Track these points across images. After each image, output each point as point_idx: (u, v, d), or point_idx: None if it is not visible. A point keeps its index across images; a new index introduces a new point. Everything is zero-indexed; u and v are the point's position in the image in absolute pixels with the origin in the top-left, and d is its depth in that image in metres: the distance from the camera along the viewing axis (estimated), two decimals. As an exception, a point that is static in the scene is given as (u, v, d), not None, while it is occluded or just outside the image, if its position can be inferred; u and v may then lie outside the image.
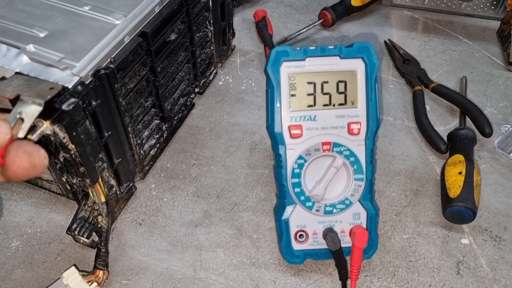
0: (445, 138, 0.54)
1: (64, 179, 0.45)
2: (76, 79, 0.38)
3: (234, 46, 0.67)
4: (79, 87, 0.38)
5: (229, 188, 0.52)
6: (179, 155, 0.55)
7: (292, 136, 0.42)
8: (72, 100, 0.37)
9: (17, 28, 0.41)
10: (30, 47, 0.40)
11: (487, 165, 0.54)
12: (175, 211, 0.50)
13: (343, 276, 0.42)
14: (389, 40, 0.69)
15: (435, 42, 0.70)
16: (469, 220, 0.46)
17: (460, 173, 0.48)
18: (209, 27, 0.57)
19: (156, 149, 0.53)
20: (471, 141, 0.52)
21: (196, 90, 0.60)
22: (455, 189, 0.47)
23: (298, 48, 0.41)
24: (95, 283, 0.42)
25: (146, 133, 0.50)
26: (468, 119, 0.56)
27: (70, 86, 0.38)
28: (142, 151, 0.50)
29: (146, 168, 0.52)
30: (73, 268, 0.41)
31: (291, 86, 0.42)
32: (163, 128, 0.53)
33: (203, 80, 0.61)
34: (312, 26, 0.69)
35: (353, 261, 0.42)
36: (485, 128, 0.53)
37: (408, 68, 0.64)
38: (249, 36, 0.71)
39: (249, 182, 0.53)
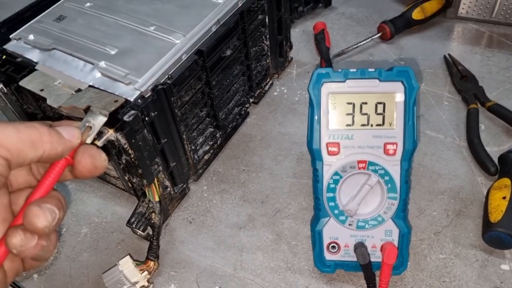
0: (496, 160, 0.53)
1: (126, 178, 0.51)
2: (137, 93, 0.44)
3: (291, 58, 0.70)
4: (139, 100, 0.44)
5: (273, 195, 0.55)
6: (230, 161, 0.59)
7: (330, 153, 0.44)
8: (132, 112, 0.42)
9: (93, 46, 0.48)
10: (102, 64, 0.46)
11: (540, 190, 0.52)
12: (223, 213, 0.54)
13: (372, 289, 0.44)
14: (449, 54, 0.68)
15: (499, 57, 0.68)
16: (509, 246, 0.46)
17: (504, 197, 0.47)
18: (265, 41, 0.61)
19: (209, 155, 0.58)
20: (523, 165, 0.51)
21: (251, 100, 0.64)
22: (496, 213, 0.47)
23: (339, 70, 0.44)
24: (146, 272, 0.48)
25: (200, 140, 0.55)
26: (524, 141, 0.55)
27: (132, 99, 0.43)
28: (196, 156, 0.55)
29: (200, 171, 0.57)
30: (128, 257, 0.47)
31: (331, 105, 0.44)
32: (217, 135, 0.58)
33: (259, 91, 0.65)
34: (370, 39, 0.70)
35: (382, 276, 0.44)
36: (541, 153, 0.52)
37: (465, 85, 0.63)
38: (307, 47, 0.73)
39: (293, 191, 0.56)
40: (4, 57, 0.50)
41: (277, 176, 0.57)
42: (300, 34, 0.76)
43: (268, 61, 0.64)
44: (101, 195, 0.58)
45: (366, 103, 0.44)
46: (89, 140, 0.36)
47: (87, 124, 0.37)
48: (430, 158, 0.57)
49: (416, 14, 0.71)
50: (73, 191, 0.58)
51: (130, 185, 0.52)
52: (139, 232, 0.50)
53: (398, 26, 0.71)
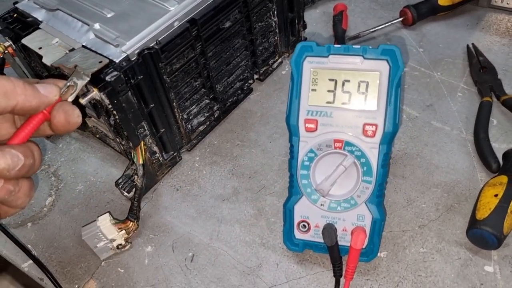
0: (501, 157, 0.50)
1: (118, 140, 0.53)
2: (123, 55, 0.45)
3: (306, 38, 0.69)
4: (123, 63, 0.45)
5: (262, 171, 0.55)
6: (227, 135, 0.60)
7: (307, 130, 0.43)
8: (115, 73, 0.43)
9: (92, 8, 0.50)
10: (97, 25, 0.48)
11: (545, 193, 0.48)
12: (209, 183, 0.55)
13: (337, 273, 0.43)
14: (472, 44, 0.63)
15: (529, 51, 0.62)
16: (493, 246, 0.43)
17: (496, 195, 0.44)
18: (272, 17, 0.60)
19: (205, 126, 0.58)
20: (527, 164, 0.47)
21: (256, 76, 0.64)
22: (484, 211, 0.43)
23: (323, 45, 0.42)
24: (124, 231, 0.49)
25: (194, 110, 0.56)
26: (535, 140, 0.51)
27: (117, 61, 0.44)
28: (189, 126, 0.56)
29: (194, 141, 0.58)
30: (107, 214, 0.49)
31: (312, 81, 0.43)
32: (214, 108, 0.58)
33: (265, 68, 0.64)
34: (389, 24, 0.67)
35: (348, 261, 0.42)
36: (549, 152, 0.48)
37: (483, 77, 0.59)
38: (325, 29, 0.71)
39: (282, 169, 0.55)
40: (15, 15, 0.53)
41: (269, 153, 0.57)
42: (320, 15, 0.74)
43: (276, 38, 0.63)
44: (100, 156, 0.60)
45: (348, 80, 0.42)
46: (70, 98, 0.38)
47: (70, 83, 0.38)
48: (430, 149, 0.54)
49: (443, 0, 0.67)
50: (76, 150, 0.61)
51: (122, 147, 0.54)
52: (125, 193, 0.52)
53: (422, 12, 0.67)
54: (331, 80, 0.42)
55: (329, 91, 0.43)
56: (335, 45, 0.42)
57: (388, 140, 0.42)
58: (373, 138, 0.42)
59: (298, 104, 0.43)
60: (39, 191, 0.57)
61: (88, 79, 0.40)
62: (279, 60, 0.66)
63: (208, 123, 0.59)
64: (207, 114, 0.58)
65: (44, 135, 0.38)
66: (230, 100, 0.60)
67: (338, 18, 0.68)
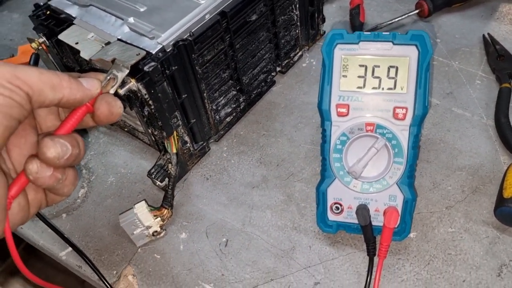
0: (523, 140, 0.51)
1: (150, 131, 0.54)
2: (159, 47, 0.46)
3: (324, 32, 0.71)
4: (160, 54, 0.46)
5: (289, 159, 0.57)
6: (252, 125, 0.61)
7: (339, 114, 0.45)
8: (153, 63, 0.45)
9: (125, 4, 0.51)
10: (131, 19, 0.49)
11: None
12: (239, 172, 0.57)
13: (371, 252, 0.45)
14: (488, 34, 0.65)
15: (544, 39, 0.64)
16: (521, 223, 0.44)
17: (521, 174, 0.46)
18: (294, 11, 0.62)
19: (232, 117, 0.60)
20: (549, 146, 0.49)
21: (278, 69, 0.65)
22: (510, 189, 0.45)
23: (354, 33, 0.44)
24: (159, 218, 0.51)
25: (222, 101, 0.57)
26: (556, 123, 0.52)
27: (153, 52, 0.46)
28: (217, 117, 0.58)
29: (221, 132, 0.60)
30: (143, 202, 0.50)
31: (343, 67, 0.44)
32: (241, 99, 0.60)
33: (287, 61, 0.66)
34: (406, 16, 0.69)
35: (382, 240, 0.44)
36: None
37: (501, 64, 0.60)
38: (342, 23, 0.73)
39: (309, 157, 0.56)
40: (48, 12, 0.54)
41: (295, 142, 0.58)
42: (337, 10, 0.76)
43: (297, 31, 0.65)
44: (129, 149, 0.62)
45: (378, 66, 0.44)
46: (112, 90, 0.39)
47: (110, 75, 0.40)
48: (453, 134, 0.56)
49: (458, -8, 0.69)
50: (105, 144, 0.63)
51: (153, 139, 0.56)
52: (158, 182, 0.54)
53: (437, 3, 0.69)
54: (361, 66, 0.44)
55: (359, 76, 0.44)
56: (365, 32, 0.44)
57: (418, 122, 0.43)
58: (404, 121, 0.43)
59: (330, 90, 0.45)
60: (71, 184, 0.59)
61: (128, 71, 0.42)
62: (300, 53, 0.68)
63: (234, 114, 0.60)
64: (234, 106, 0.59)
65: (87, 126, 0.40)
66: (254, 92, 0.62)
67: (356, 11, 0.70)
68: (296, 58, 0.67)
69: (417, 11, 0.70)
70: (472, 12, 0.70)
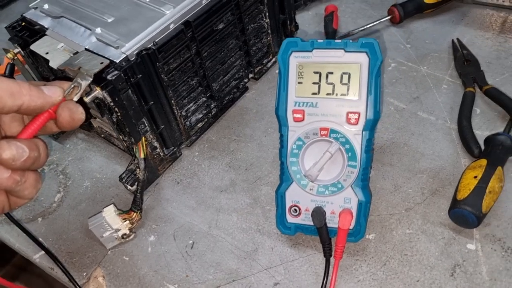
0: (482, 143, 0.52)
1: (120, 137, 0.56)
2: (123, 56, 0.48)
3: (298, 38, 0.72)
4: (123, 63, 0.48)
5: (257, 164, 0.58)
6: (224, 131, 0.63)
7: (295, 120, 0.46)
8: (116, 72, 0.47)
9: (94, 15, 0.53)
10: (98, 30, 0.51)
11: (525, 176, 0.51)
12: (208, 176, 0.58)
13: (327, 253, 0.46)
14: (457, 39, 0.66)
15: (511, 43, 0.65)
16: (473, 225, 0.45)
17: (475, 177, 0.47)
18: (264, 19, 0.63)
19: (203, 123, 0.62)
20: (506, 149, 0.50)
21: (251, 75, 0.67)
22: (464, 191, 0.46)
23: (307, 41, 0.45)
24: (128, 221, 0.52)
25: (192, 107, 0.59)
26: (516, 126, 0.53)
27: (117, 61, 0.48)
28: (188, 122, 0.59)
29: (193, 137, 0.61)
30: (111, 205, 0.52)
31: (298, 74, 0.46)
32: (212, 105, 0.62)
33: (259, 67, 0.67)
34: (378, 22, 0.71)
35: (337, 241, 0.45)
36: (527, 137, 0.50)
37: (466, 69, 0.61)
38: (317, 30, 0.75)
39: (277, 160, 0.57)
40: (23, 23, 0.57)
41: (264, 147, 0.60)
42: (313, 17, 0.77)
43: (269, 38, 0.66)
44: (105, 154, 0.64)
45: (332, 73, 0.45)
46: (76, 98, 0.41)
47: (75, 84, 0.42)
48: (416, 138, 0.57)
49: (429, -2, 0.70)
50: (82, 150, 0.65)
51: (125, 144, 0.57)
52: (128, 186, 0.55)
53: (409, 10, 0.70)
54: (315, 72, 0.46)
55: (314, 83, 0.46)
56: (318, 40, 0.45)
57: (370, 126, 0.44)
58: (356, 126, 0.45)
59: (286, 96, 0.46)
60: (49, 189, 0.61)
61: (91, 79, 0.44)
62: (273, 60, 0.69)
63: (206, 120, 0.62)
64: (205, 112, 0.61)
65: (50, 132, 0.42)
66: (226, 98, 0.64)
67: (329, 18, 0.71)
68: (269, 64, 0.69)
69: (389, 17, 0.71)
70: (443, 17, 0.72)
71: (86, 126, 0.65)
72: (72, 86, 0.41)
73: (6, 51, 0.57)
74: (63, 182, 0.61)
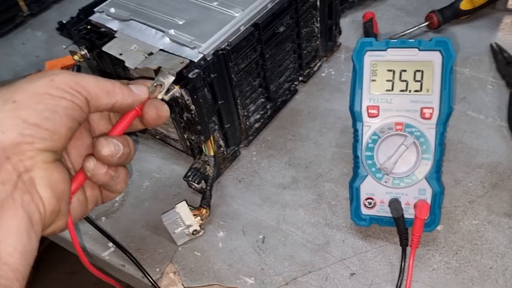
0: (536, 138, 0.55)
1: (185, 136, 0.57)
2: (200, 56, 0.50)
3: (340, 43, 0.75)
4: (202, 62, 0.50)
5: (316, 162, 0.60)
6: (278, 131, 0.65)
7: (370, 115, 0.48)
8: (196, 70, 0.49)
9: (163, 17, 0.55)
10: (172, 31, 0.53)
11: None
12: (269, 174, 0.60)
13: (404, 242, 0.48)
14: (495, 43, 0.70)
15: (547, 47, 0.69)
16: (541, 213, 0.48)
17: (539, 168, 0.49)
18: (316, 24, 0.66)
19: (260, 123, 0.64)
20: (562, 142, 0.53)
21: (300, 78, 0.69)
22: (530, 182, 0.49)
23: (381, 40, 0.48)
24: (198, 217, 0.54)
25: (252, 108, 0.61)
26: None
27: (196, 61, 0.50)
28: (248, 122, 0.61)
29: (250, 137, 0.63)
30: (184, 202, 0.53)
31: (372, 72, 0.48)
32: (268, 106, 0.64)
33: (308, 70, 0.70)
34: (417, 28, 0.74)
35: (414, 231, 0.47)
36: None
37: (510, 70, 0.65)
38: (356, 35, 0.78)
39: (335, 159, 0.60)
40: (89, 27, 0.58)
41: (321, 146, 0.62)
42: (350, 23, 0.80)
43: (318, 43, 0.69)
44: (161, 155, 0.65)
45: (405, 70, 0.48)
46: (160, 96, 0.43)
47: (157, 83, 0.43)
48: (469, 135, 0.59)
49: (465, 5, 0.73)
50: (138, 152, 0.66)
51: (189, 144, 0.59)
52: (194, 184, 0.57)
53: (446, 16, 0.74)
54: (389, 70, 0.48)
55: (388, 80, 0.48)
56: (393, 40, 0.47)
57: (444, 120, 0.47)
58: (430, 120, 0.47)
59: (361, 93, 0.49)
60: (108, 189, 0.62)
61: (174, 77, 0.45)
62: (319, 64, 0.72)
63: (262, 120, 0.64)
64: (262, 112, 0.63)
65: (136, 129, 0.43)
66: (280, 100, 0.66)
67: (369, 24, 0.74)
68: (316, 68, 0.71)
69: (427, 23, 0.74)
70: (478, 23, 0.75)
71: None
72: (155, 84, 0.43)
73: (73, 53, 0.58)
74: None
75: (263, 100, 0.62)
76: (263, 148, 0.63)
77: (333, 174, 0.58)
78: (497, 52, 0.68)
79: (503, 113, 0.61)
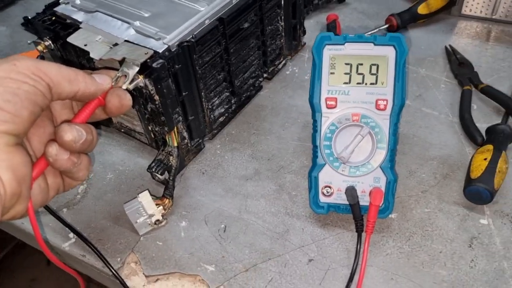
0: (484, 133, 0.58)
1: (150, 128, 0.58)
2: (165, 47, 0.51)
3: (305, 43, 0.77)
4: (166, 52, 0.51)
5: (279, 154, 0.62)
6: (243, 125, 0.66)
7: (328, 106, 0.50)
8: (160, 61, 0.50)
9: (130, 9, 0.56)
10: (137, 23, 0.54)
11: (523, 161, 0.57)
12: (232, 167, 0.61)
13: (359, 228, 0.50)
14: (449, 45, 0.74)
15: (496, 50, 0.73)
16: (487, 200, 0.51)
17: (485, 159, 0.53)
18: (280, 22, 0.68)
19: (224, 117, 0.65)
20: (507, 136, 0.56)
21: (265, 75, 0.71)
22: (477, 171, 0.52)
23: (340, 35, 0.50)
24: (161, 207, 0.54)
25: (217, 101, 0.62)
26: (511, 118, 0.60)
27: (160, 51, 0.51)
28: (212, 115, 0.62)
29: (215, 131, 0.64)
30: (146, 191, 0.54)
31: (331, 65, 0.50)
32: (232, 101, 0.65)
33: (272, 68, 0.72)
34: (377, 30, 0.77)
35: (369, 217, 0.49)
36: (523, 126, 0.57)
37: (462, 70, 0.68)
38: (320, 36, 0.80)
39: (297, 151, 0.62)
40: (53, 18, 0.58)
41: (284, 139, 0.63)
42: (314, 24, 0.83)
43: (282, 41, 0.71)
44: (126, 148, 0.65)
45: (362, 64, 0.50)
46: (124, 86, 0.43)
47: (122, 73, 0.44)
48: (424, 130, 0.62)
49: (422, 9, 0.77)
50: (102, 144, 0.66)
51: (153, 136, 0.59)
52: (158, 176, 0.57)
53: (404, 19, 0.77)
54: (347, 64, 0.50)
55: (345, 73, 0.50)
56: (350, 35, 0.50)
57: (397, 112, 0.49)
58: (385, 111, 0.49)
59: (320, 86, 0.50)
60: (70, 181, 0.61)
61: (138, 68, 0.46)
62: (284, 62, 0.74)
63: (226, 115, 0.65)
64: (226, 106, 0.64)
65: (98, 119, 0.43)
66: (244, 95, 0.67)
67: (332, 25, 0.77)
68: (280, 66, 0.73)
69: (386, 25, 0.78)
70: (434, 27, 0.79)
71: (106, 121, 0.66)
72: (119, 74, 0.43)
73: (37, 43, 0.58)
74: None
75: (227, 94, 0.64)
76: (227, 141, 0.64)
77: (294, 166, 0.60)
78: (450, 53, 0.72)
79: (455, 110, 0.64)
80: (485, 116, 0.63)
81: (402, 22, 0.77)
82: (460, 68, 0.69)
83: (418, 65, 0.72)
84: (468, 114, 0.61)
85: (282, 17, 0.68)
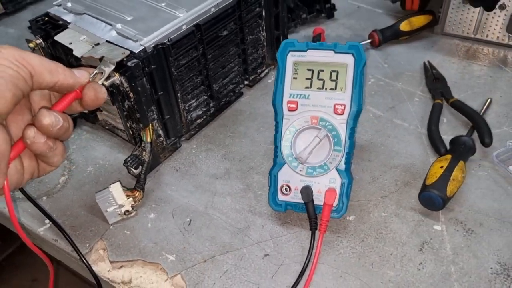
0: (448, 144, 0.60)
1: (128, 125, 0.62)
2: (141, 48, 0.55)
3: (289, 54, 0.80)
4: (142, 53, 0.55)
5: (250, 156, 0.64)
6: (220, 128, 0.69)
7: (289, 109, 0.53)
8: (135, 60, 0.53)
9: (113, 13, 0.60)
10: (119, 25, 0.58)
11: (484, 172, 0.59)
12: (205, 165, 0.64)
13: (313, 226, 0.52)
14: (428, 61, 0.76)
15: (474, 67, 0.75)
16: (439, 206, 0.52)
17: (441, 167, 0.54)
18: (261, 32, 0.71)
19: (202, 120, 0.68)
20: (468, 148, 0.58)
21: (246, 82, 0.74)
22: (431, 178, 0.53)
23: (303, 42, 0.53)
24: (131, 198, 0.57)
25: (194, 103, 0.65)
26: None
27: (136, 52, 0.54)
28: (189, 117, 0.65)
29: (192, 132, 0.67)
30: (118, 182, 0.57)
31: (294, 70, 0.53)
32: (211, 104, 0.68)
33: (254, 76, 0.75)
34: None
35: (322, 216, 0.51)
36: (485, 138, 0.59)
37: (435, 85, 0.71)
38: (305, 48, 0.83)
39: (268, 154, 0.64)
40: (46, 18, 0.63)
41: (257, 143, 0.66)
42: (302, 37, 0.86)
43: (264, 50, 0.74)
44: (109, 144, 0.69)
45: (323, 70, 0.53)
46: (100, 82, 0.47)
47: (99, 70, 0.48)
48: (392, 140, 0.64)
49: (404, 26, 0.80)
50: (87, 140, 0.70)
51: (131, 132, 0.63)
52: (132, 170, 0.60)
53: (386, 35, 0.80)
54: (309, 70, 0.53)
55: (307, 78, 0.53)
56: (312, 42, 0.53)
57: (354, 116, 0.52)
58: (342, 115, 0.52)
59: (282, 89, 0.53)
60: (53, 172, 0.64)
61: (114, 66, 0.50)
62: (266, 71, 0.77)
63: (204, 117, 0.68)
64: (204, 109, 0.68)
65: (75, 111, 0.47)
66: (223, 100, 0.71)
67: (317, 39, 0.80)
68: (262, 74, 0.76)
69: (369, 40, 0.80)
70: (416, 44, 0.82)
71: (92, 118, 0.70)
72: (96, 72, 0.47)
73: (29, 41, 0.62)
74: (67, 167, 0.66)
75: (205, 97, 0.67)
76: (203, 142, 0.67)
77: (264, 167, 0.63)
78: (428, 69, 0.74)
79: (425, 122, 0.66)
80: (453, 129, 0.65)
81: (384, 38, 0.80)
82: (435, 83, 0.71)
83: (395, 79, 0.74)
84: (435, 126, 0.63)
85: (264, 28, 0.71)
